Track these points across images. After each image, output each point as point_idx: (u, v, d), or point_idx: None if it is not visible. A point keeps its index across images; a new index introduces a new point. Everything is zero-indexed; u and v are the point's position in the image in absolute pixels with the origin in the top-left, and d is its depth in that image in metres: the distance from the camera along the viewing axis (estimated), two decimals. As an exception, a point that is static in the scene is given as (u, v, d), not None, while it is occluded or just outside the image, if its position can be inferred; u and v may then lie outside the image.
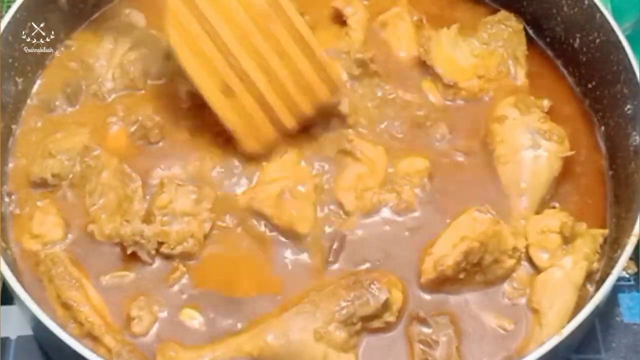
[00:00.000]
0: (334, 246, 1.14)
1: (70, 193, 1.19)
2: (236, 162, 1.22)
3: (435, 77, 1.30)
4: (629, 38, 1.21)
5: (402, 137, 1.25)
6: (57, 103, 1.28)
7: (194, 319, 1.09)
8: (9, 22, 1.21)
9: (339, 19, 1.36)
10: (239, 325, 1.08)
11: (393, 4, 1.39)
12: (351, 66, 1.29)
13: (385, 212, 1.18)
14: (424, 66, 1.31)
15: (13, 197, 1.19)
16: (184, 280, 1.12)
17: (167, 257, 1.13)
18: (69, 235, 1.16)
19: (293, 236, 1.15)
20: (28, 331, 1.17)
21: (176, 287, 1.12)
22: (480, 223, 1.12)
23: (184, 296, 1.11)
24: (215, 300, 1.10)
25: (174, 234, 1.13)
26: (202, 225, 1.15)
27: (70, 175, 1.19)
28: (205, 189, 1.18)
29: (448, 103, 1.29)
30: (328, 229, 1.15)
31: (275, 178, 1.19)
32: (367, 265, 1.13)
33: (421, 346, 1.06)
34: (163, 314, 1.10)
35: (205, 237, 1.15)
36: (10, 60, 1.23)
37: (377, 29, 1.37)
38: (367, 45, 1.33)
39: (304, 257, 1.14)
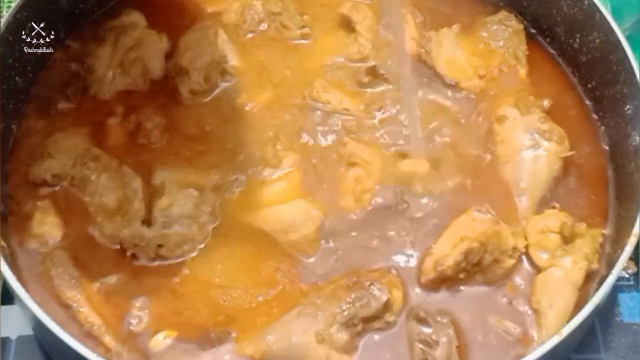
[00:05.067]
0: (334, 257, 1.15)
1: (70, 193, 1.19)
2: (238, 165, 1.22)
3: (437, 77, 1.30)
4: (629, 38, 1.21)
5: (405, 137, 1.25)
6: (57, 103, 1.27)
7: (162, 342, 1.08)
8: (9, 22, 1.21)
9: (346, 25, 1.36)
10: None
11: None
12: (360, 74, 1.29)
13: (384, 213, 1.18)
14: (426, 66, 1.32)
15: (13, 197, 1.19)
16: (186, 281, 1.12)
17: (167, 259, 1.13)
18: (69, 236, 1.16)
19: (298, 255, 1.15)
20: (28, 331, 1.17)
21: (178, 287, 1.12)
22: (480, 223, 1.12)
23: (187, 296, 1.11)
24: (215, 301, 1.11)
25: (173, 237, 1.13)
26: (203, 228, 1.15)
27: (70, 177, 1.19)
28: (206, 192, 1.17)
29: (449, 103, 1.29)
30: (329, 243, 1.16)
31: (283, 198, 1.19)
32: (367, 265, 1.13)
33: (421, 346, 1.06)
34: (165, 313, 1.10)
35: (206, 239, 1.15)
36: (10, 60, 1.23)
37: (382, 31, 1.37)
38: (375, 50, 1.33)
39: (303, 258, 1.15)
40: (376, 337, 1.08)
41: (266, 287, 1.12)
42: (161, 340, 1.07)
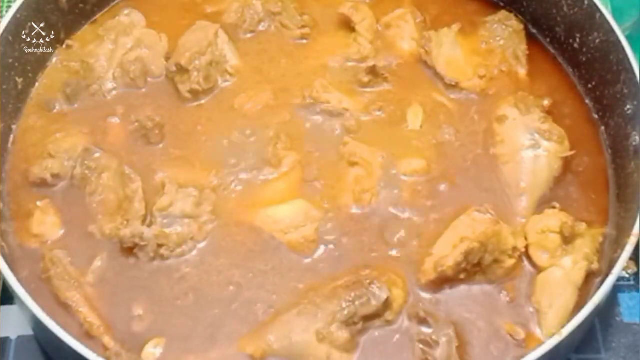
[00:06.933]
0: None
1: (70, 193, 1.19)
2: (237, 165, 1.22)
3: (437, 77, 1.30)
4: (629, 38, 1.21)
5: (405, 136, 1.25)
6: (57, 103, 1.28)
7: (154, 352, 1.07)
8: (9, 22, 1.21)
9: (346, 25, 1.36)
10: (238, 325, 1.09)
11: (395, 4, 1.39)
12: (360, 74, 1.30)
13: (384, 213, 1.18)
14: (426, 66, 1.32)
15: (13, 197, 1.19)
16: (186, 280, 1.12)
17: (167, 259, 1.13)
18: (69, 236, 1.16)
19: (298, 255, 1.15)
20: (28, 331, 1.17)
21: (178, 287, 1.12)
22: (480, 223, 1.12)
23: (190, 296, 1.11)
24: (215, 301, 1.11)
25: (174, 236, 1.13)
26: (203, 228, 1.15)
27: (71, 177, 1.19)
28: (205, 191, 1.18)
29: (449, 103, 1.29)
30: (329, 243, 1.16)
31: (283, 198, 1.19)
32: (366, 265, 1.13)
33: (421, 346, 1.06)
34: (164, 313, 1.10)
35: (206, 239, 1.15)
36: (10, 60, 1.23)
37: (381, 31, 1.37)
38: (375, 50, 1.33)
39: (302, 258, 1.15)
40: (377, 336, 1.08)
41: (266, 286, 1.12)
42: (152, 351, 1.07)
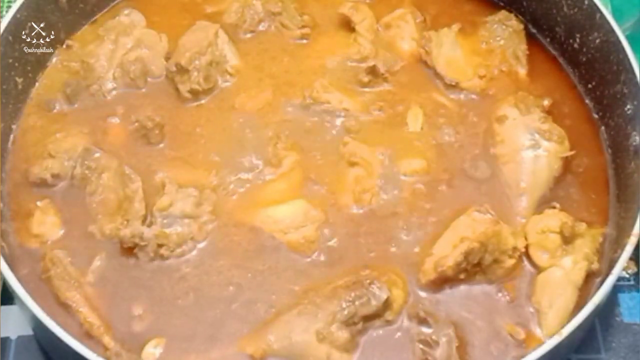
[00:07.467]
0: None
1: (70, 193, 1.19)
2: (237, 165, 1.22)
3: (437, 77, 1.30)
4: (629, 38, 1.21)
5: (405, 136, 1.25)
6: (57, 103, 1.28)
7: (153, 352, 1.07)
8: (9, 22, 1.21)
9: (346, 25, 1.36)
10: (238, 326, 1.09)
11: (395, 4, 1.39)
12: (360, 74, 1.30)
13: (384, 213, 1.18)
14: (426, 66, 1.32)
15: (13, 197, 1.19)
16: (186, 280, 1.12)
17: (167, 259, 1.13)
18: (69, 236, 1.16)
19: (298, 255, 1.15)
20: (28, 331, 1.17)
21: (178, 287, 1.12)
22: (480, 223, 1.12)
23: (190, 295, 1.11)
24: (216, 301, 1.11)
25: (174, 236, 1.13)
26: (203, 228, 1.15)
27: (71, 177, 1.19)
28: (205, 191, 1.18)
29: (449, 103, 1.29)
30: (328, 243, 1.16)
31: (283, 198, 1.19)
32: (366, 265, 1.13)
33: (421, 346, 1.06)
34: (164, 313, 1.10)
35: (205, 239, 1.15)
36: (10, 60, 1.23)
37: (381, 31, 1.37)
38: (375, 50, 1.33)
39: (302, 257, 1.15)
40: (377, 336, 1.08)
41: (266, 286, 1.12)
42: (152, 351, 1.07)
